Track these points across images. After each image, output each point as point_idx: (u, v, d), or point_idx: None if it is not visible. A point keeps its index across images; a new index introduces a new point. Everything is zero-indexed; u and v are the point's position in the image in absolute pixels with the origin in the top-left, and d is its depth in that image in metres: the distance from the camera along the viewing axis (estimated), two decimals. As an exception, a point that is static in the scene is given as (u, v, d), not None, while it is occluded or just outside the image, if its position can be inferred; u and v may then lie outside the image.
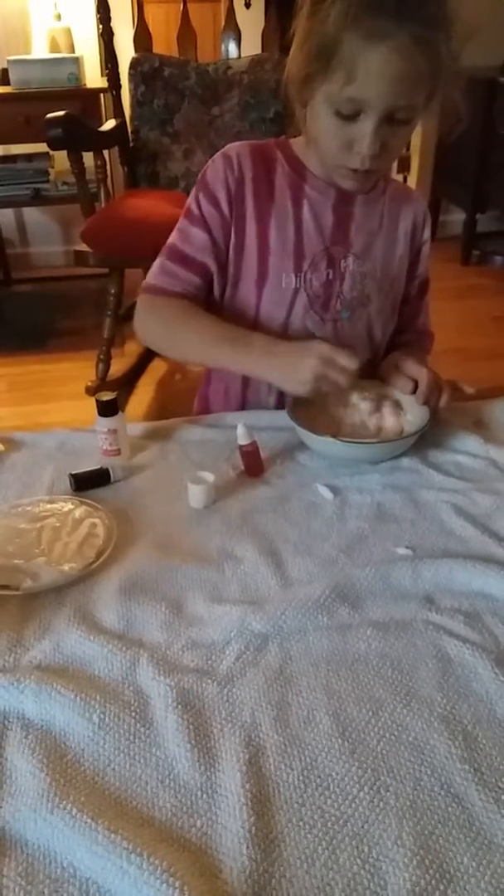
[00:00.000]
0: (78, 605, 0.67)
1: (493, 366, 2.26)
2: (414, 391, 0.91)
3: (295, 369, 0.84)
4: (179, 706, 0.57)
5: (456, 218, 3.46)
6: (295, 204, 0.94)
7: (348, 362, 0.82)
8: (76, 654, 0.62)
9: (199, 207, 0.96)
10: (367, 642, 0.63)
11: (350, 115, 0.79)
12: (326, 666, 0.61)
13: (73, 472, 0.83)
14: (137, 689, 0.59)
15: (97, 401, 0.84)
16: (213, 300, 1.01)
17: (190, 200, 0.97)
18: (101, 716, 0.56)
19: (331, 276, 0.97)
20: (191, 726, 0.55)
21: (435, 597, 0.68)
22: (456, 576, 0.70)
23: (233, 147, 0.95)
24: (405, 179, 3.58)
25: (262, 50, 2.19)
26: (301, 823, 0.48)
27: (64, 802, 0.49)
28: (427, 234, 1.06)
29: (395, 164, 3.57)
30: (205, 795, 0.50)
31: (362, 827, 0.48)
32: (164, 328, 0.99)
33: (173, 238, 0.99)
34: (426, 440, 0.90)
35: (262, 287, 0.96)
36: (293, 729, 0.55)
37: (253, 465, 0.85)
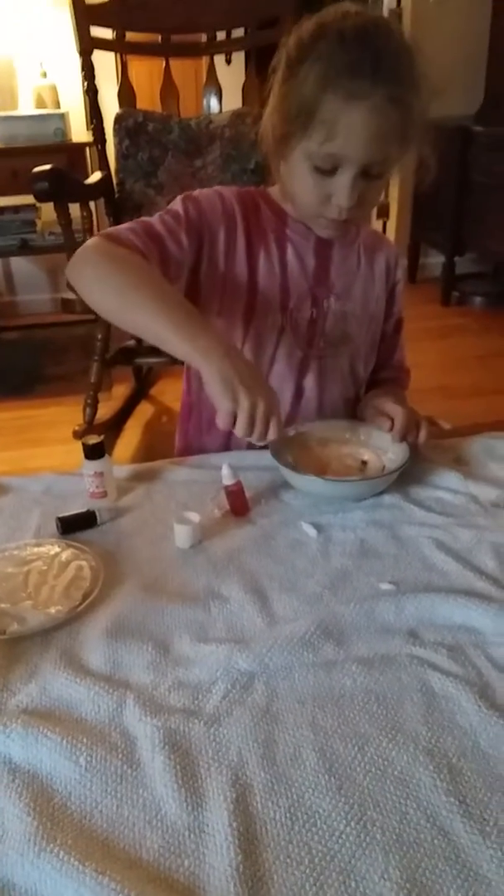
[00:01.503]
0: (64, 648, 0.67)
1: (475, 403, 2.30)
2: (391, 429, 0.94)
3: (240, 385, 0.76)
4: (166, 747, 0.57)
5: (435, 261, 3.55)
6: (279, 245, 0.98)
7: (272, 431, 0.78)
8: (63, 697, 0.62)
9: (186, 213, 0.93)
10: (353, 678, 0.64)
11: (328, 170, 0.84)
12: (312, 702, 0.61)
13: (60, 516, 0.84)
14: (124, 731, 0.59)
15: (84, 444, 0.85)
16: None
17: (174, 204, 0.95)
18: (88, 758, 0.56)
19: (314, 315, 1.00)
20: (178, 766, 0.55)
21: (418, 631, 0.69)
22: (439, 610, 0.71)
23: (222, 187, 0.99)
24: (384, 225, 3.70)
25: (243, 104, 2.28)
26: (288, 860, 0.48)
27: (51, 845, 0.49)
28: (399, 274, 1.10)
29: (374, 211, 3.69)
30: (192, 835, 0.50)
31: (349, 862, 0.48)
32: (109, 269, 0.84)
33: (152, 222, 0.92)
34: (408, 477, 0.92)
35: (249, 322, 0.99)
36: (280, 766, 0.56)
37: (238, 504, 0.87)
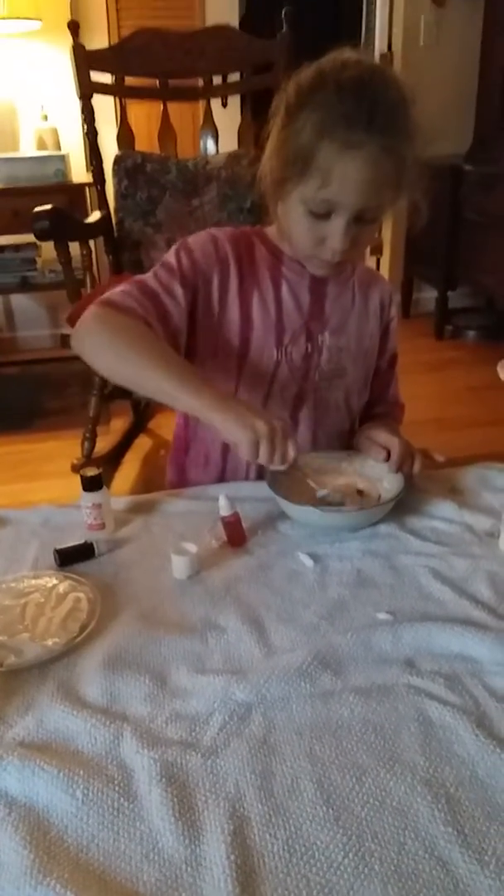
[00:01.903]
0: (61, 681, 0.67)
1: (470, 434, 2.32)
2: (387, 460, 0.95)
3: (253, 416, 0.81)
4: (163, 779, 0.57)
5: (428, 296, 3.60)
6: (275, 284, 1.00)
7: (291, 450, 0.82)
8: (59, 729, 0.62)
9: (180, 263, 0.97)
10: (350, 708, 0.63)
11: (323, 214, 0.87)
12: (310, 733, 0.61)
13: (58, 548, 0.84)
14: (121, 764, 0.59)
15: (82, 476, 0.86)
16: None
17: (168, 256, 0.98)
18: (85, 791, 0.56)
19: (309, 350, 1.02)
20: (175, 799, 0.55)
21: (415, 660, 0.69)
22: (435, 639, 0.71)
23: (216, 229, 1.02)
24: (378, 262, 3.76)
25: (239, 146, 2.33)
26: (286, 893, 0.48)
27: (48, 879, 0.48)
28: (394, 311, 1.12)
29: (368, 249, 3.75)
30: (189, 868, 0.50)
31: (347, 894, 0.48)
32: (110, 338, 0.89)
33: (146, 279, 0.96)
34: (403, 507, 0.93)
35: (244, 358, 1.01)
36: (277, 798, 0.55)
37: (235, 535, 0.87)
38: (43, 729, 0.62)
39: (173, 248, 0.99)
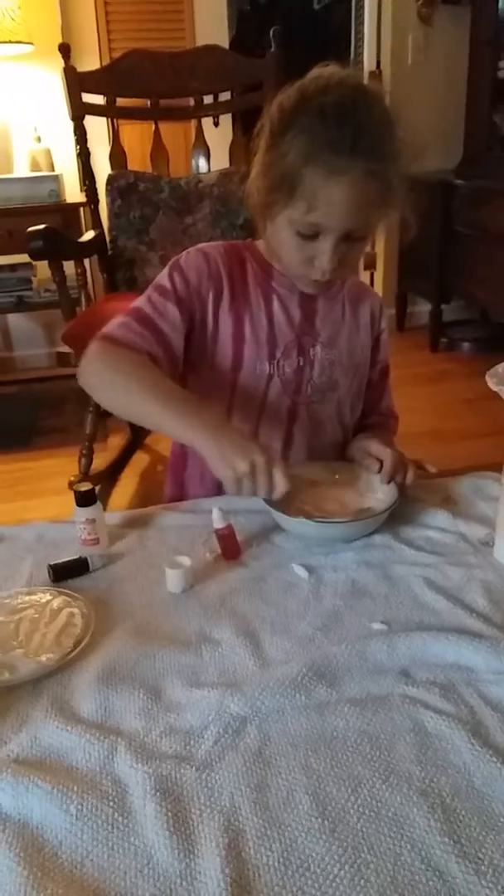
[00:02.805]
0: (55, 696, 0.67)
1: (466, 446, 2.32)
2: (380, 470, 0.95)
3: (233, 453, 0.81)
4: (158, 793, 0.56)
5: (422, 309, 3.62)
6: (265, 299, 1.01)
7: (279, 482, 0.82)
8: (53, 745, 0.62)
9: (174, 285, 0.98)
10: (345, 719, 0.63)
11: (310, 235, 0.88)
12: (305, 745, 0.61)
13: (52, 563, 0.84)
14: (115, 779, 0.58)
15: (75, 491, 0.86)
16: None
17: (161, 278, 0.99)
18: (79, 807, 0.55)
19: (301, 364, 1.03)
20: (169, 813, 0.55)
21: (411, 670, 0.69)
22: (430, 648, 0.71)
23: (208, 245, 1.02)
24: (372, 276, 3.79)
25: (230, 163, 2.36)
26: (281, 906, 0.48)
27: (42, 895, 0.48)
28: (384, 323, 1.13)
29: (361, 263, 3.77)
30: (184, 882, 0.50)
31: (343, 906, 0.47)
32: (112, 375, 0.92)
33: (141, 304, 0.98)
34: (397, 517, 0.93)
35: (237, 372, 1.01)
36: (273, 811, 0.55)
37: (229, 547, 0.87)
38: (37, 745, 0.62)
39: (166, 268, 1.00)
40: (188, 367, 1.02)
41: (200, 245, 1.03)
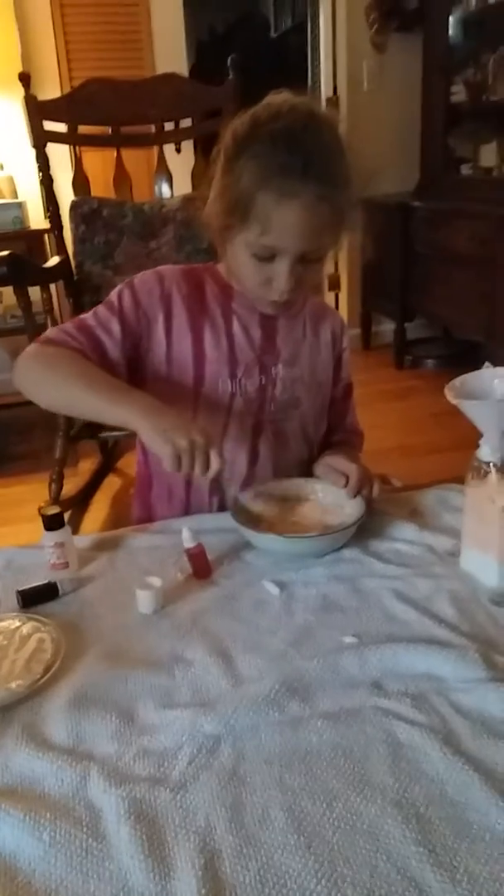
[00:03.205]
0: (26, 723, 0.66)
1: (433, 460, 2.36)
2: (346, 485, 0.96)
3: (173, 429, 0.82)
4: (132, 817, 0.56)
5: (386, 328, 3.68)
6: (225, 318, 1.02)
7: (214, 461, 0.82)
8: (24, 773, 0.61)
9: (121, 302, 1.00)
10: (319, 734, 0.63)
11: (267, 258, 0.90)
12: (279, 762, 0.61)
13: (20, 589, 0.83)
14: (88, 804, 0.58)
15: (42, 515, 0.86)
16: None
17: (112, 294, 1.01)
18: (52, 834, 0.55)
19: (263, 382, 1.04)
20: (144, 836, 0.54)
21: (382, 682, 0.69)
22: (401, 659, 0.71)
23: (165, 268, 1.04)
24: (336, 297, 3.84)
25: (193, 188, 2.39)
26: (258, 924, 0.47)
27: (12, 927, 0.47)
28: (346, 342, 1.16)
29: (326, 283, 3.82)
30: (160, 906, 0.49)
31: (320, 921, 0.47)
32: (45, 370, 0.94)
33: (86, 316, 1.00)
34: (366, 531, 0.94)
35: (199, 388, 1.02)
36: (248, 829, 0.55)
37: (200, 567, 0.87)
38: (8, 773, 0.61)
39: (119, 286, 1.02)
40: (144, 386, 1.02)
41: (160, 267, 1.04)
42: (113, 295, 1.01)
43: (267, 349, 1.04)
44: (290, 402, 1.06)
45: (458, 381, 0.83)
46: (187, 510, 1.07)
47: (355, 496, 0.95)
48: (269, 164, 0.84)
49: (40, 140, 2.19)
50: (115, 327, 0.98)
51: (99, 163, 2.64)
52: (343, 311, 3.86)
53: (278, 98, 0.89)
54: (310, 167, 0.84)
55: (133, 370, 1.01)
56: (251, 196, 0.85)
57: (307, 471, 1.07)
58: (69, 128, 2.23)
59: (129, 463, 2.51)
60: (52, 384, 0.94)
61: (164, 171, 2.41)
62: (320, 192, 0.85)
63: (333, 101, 3.50)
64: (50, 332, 0.98)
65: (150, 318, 1.00)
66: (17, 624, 0.79)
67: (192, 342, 1.01)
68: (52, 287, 2.33)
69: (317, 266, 0.93)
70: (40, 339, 0.97)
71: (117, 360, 0.99)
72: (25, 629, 0.78)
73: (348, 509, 0.95)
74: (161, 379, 1.02)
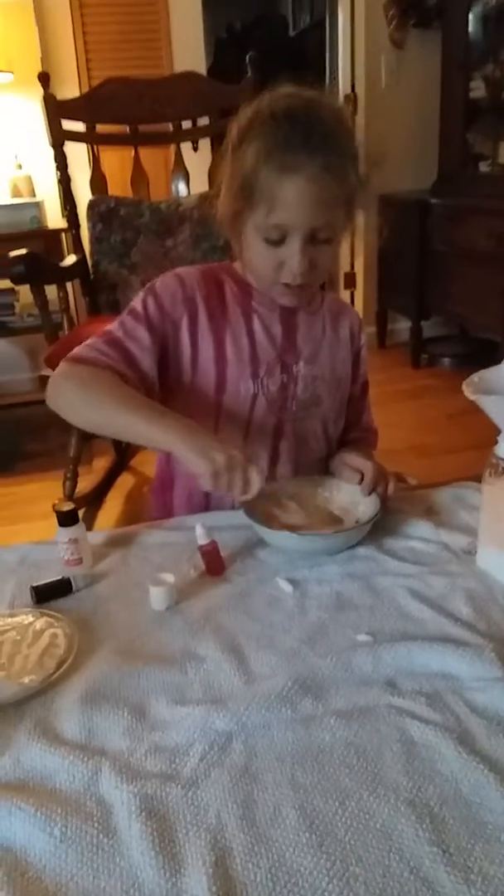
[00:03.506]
0: (38, 718, 0.66)
1: (449, 460, 2.34)
2: (361, 482, 0.95)
3: (211, 448, 0.83)
4: (143, 813, 0.55)
5: (403, 326, 3.66)
6: (246, 318, 1.02)
7: (254, 480, 0.83)
8: (36, 768, 0.61)
9: (146, 309, 0.99)
10: (332, 732, 0.63)
11: (277, 240, 0.89)
12: (291, 759, 0.60)
13: (34, 585, 0.84)
14: (100, 799, 0.57)
15: (57, 511, 0.86)
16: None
17: (135, 302, 1.01)
18: (63, 829, 0.55)
19: (285, 381, 1.03)
20: (155, 833, 0.54)
21: (396, 680, 0.68)
22: (415, 658, 0.71)
23: (184, 270, 1.03)
24: (352, 295, 3.82)
25: (210, 187, 2.38)
26: (269, 922, 0.47)
27: (22, 921, 0.47)
28: (363, 339, 1.15)
29: (341, 282, 3.81)
30: (170, 902, 0.49)
31: (331, 920, 0.47)
32: (79, 391, 0.93)
33: (112, 328, 0.99)
34: (381, 529, 0.93)
35: (221, 394, 1.01)
36: (260, 827, 0.54)
37: (213, 564, 0.87)
38: (20, 768, 0.61)
39: (141, 292, 1.01)
40: (168, 393, 1.02)
41: (178, 269, 1.04)
42: (136, 302, 1.00)
43: (288, 347, 1.03)
44: (312, 401, 1.06)
45: (476, 376, 0.82)
46: (206, 510, 1.06)
47: (370, 494, 0.94)
48: (270, 140, 0.85)
49: (58, 139, 2.20)
50: (144, 335, 0.98)
51: (116, 162, 2.65)
52: (359, 309, 3.84)
53: (280, 88, 0.90)
54: (311, 139, 0.84)
55: (161, 376, 1.01)
56: (255, 175, 0.86)
57: (326, 469, 1.06)
58: (87, 127, 2.24)
59: (143, 461, 2.52)
60: (87, 405, 0.93)
61: (181, 170, 2.41)
62: (323, 162, 0.84)
63: (351, 97, 3.49)
64: (79, 349, 0.97)
65: (175, 323, 1.00)
66: (31, 619, 0.79)
67: (214, 345, 1.00)
68: (69, 286, 2.34)
69: (328, 248, 0.92)
70: (71, 357, 0.96)
71: (149, 369, 0.98)
72: (39, 624, 0.78)
73: (363, 507, 0.94)
74: (185, 383, 1.02)
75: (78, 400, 0.94)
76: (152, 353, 0.98)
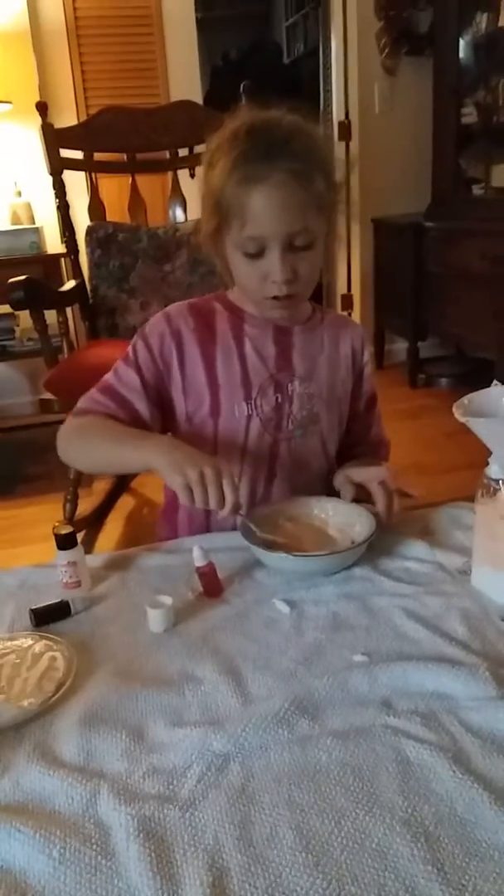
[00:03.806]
0: (37, 741, 0.67)
1: (448, 478, 2.34)
2: (359, 498, 0.98)
3: (184, 462, 0.86)
4: (141, 835, 0.56)
5: (400, 346, 3.69)
6: (237, 342, 1.04)
7: (228, 494, 0.84)
8: (35, 790, 0.61)
9: (136, 353, 1.04)
10: (328, 752, 0.63)
11: (256, 253, 0.91)
12: (288, 780, 0.61)
13: (33, 608, 0.84)
14: (98, 822, 0.58)
15: (56, 534, 0.87)
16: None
17: (129, 347, 1.05)
18: (62, 851, 0.55)
19: (280, 400, 1.05)
20: (153, 854, 0.54)
21: (392, 700, 0.69)
22: (411, 678, 0.71)
23: (173, 306, 1.06)
24: (349, 316, 3.85)
25: (206, 212, 2.42)
26: (265, 942, 0.47)
27: (21, 943, 0.47)
28: (367, 356, 1.16)
29: (339, 304, 3.84)
30: (167, 924, 0.49)
31: (327, 939, 0.47)
32: (79, 440, 1.02)
33: (107, 376, 1.06)
34: (376, 549, 0.94)
35: (216, 418, 1.03)
36: (257, 847, 0.55)
37: (211, 585, 0.88)
38: (19, 790, 0.61)
39: (134, 337, 1.06)
40: (175, 425, 1.06)
41: (168, 307, 1.06)
42: (129, 347, 1.05)
43: (282, 366, 1.05)
44: (310, 419, 1.07)
45: (466, 399, 0.84)
46: (206, 531, 1.07)
47: (387, 504, 0.95)
48: (233, 156, 0.88)
49: (57, 167, 2.24)
50: (133, 378, 1.03)
51: (114, 188, 2.69)
52: (356, 331, 3.88)
53: (241, 111, 0.93)
54: (272, 150, 0.87)
55: (166, 415, 1.06)
56: (223, 192, 0.89)
57: (328, 486, 1.07)
58: (85, 155, 2.28)
59: (143, 483, 2.53)
60: (87, 451, 1.03)
61: (178, 196, 2.45)
62: (287, 168, 0.87)
63: (346, 124, 3.55)
64: (81, 402, 1.05)
65: (166, 360, 1.03)
66: (30, 642, 0.80)
67: (206, 372, 1.03)
68: (69, 310, 2.36)
69: (308, 254, 0.93)
70: (74, 411, 1.05)
71: (146, 412, 1.03)
72: (38, 647, 0.79)
73: (358, 527, 0.95)
74: (185, 413, 1.05)
75: (79, 448, 1.03)
76: (144, 394, 1.03)
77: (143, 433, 0.98)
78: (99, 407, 1.03)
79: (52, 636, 0.80)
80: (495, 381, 0.86)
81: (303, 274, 0.94)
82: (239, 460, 1.05)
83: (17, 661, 0.77)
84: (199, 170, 0.97)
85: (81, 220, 2.35)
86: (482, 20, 3.06)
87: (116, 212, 2.48)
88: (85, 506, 2.29)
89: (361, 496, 1.01)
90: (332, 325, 1.11)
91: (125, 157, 2.33)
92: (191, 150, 2.38)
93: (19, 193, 2.98)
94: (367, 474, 1.00)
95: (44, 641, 0.80)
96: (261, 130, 0.89)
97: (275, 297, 0.95)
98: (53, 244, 2.96)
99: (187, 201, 2.45)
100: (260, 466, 1.06)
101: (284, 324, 1.04)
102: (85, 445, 1.02)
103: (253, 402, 1.03)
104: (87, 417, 1.03)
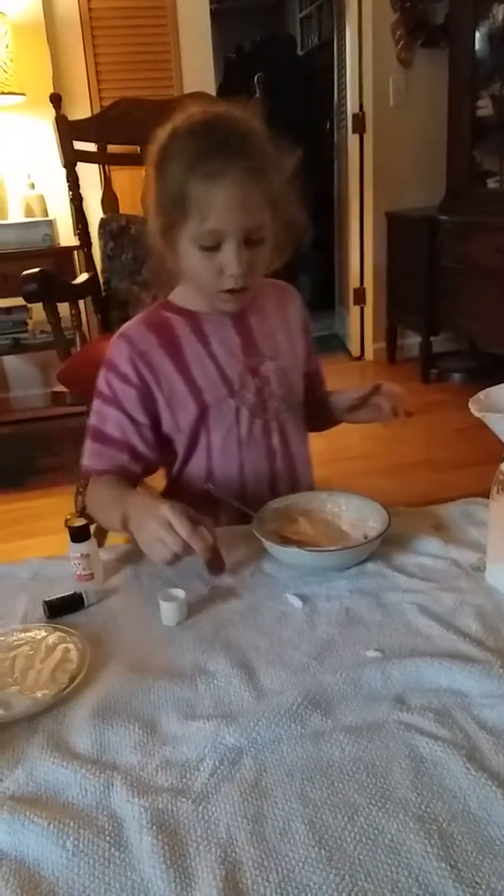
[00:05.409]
0: (51, 732, 0.67)
1: (461, 475, 2.33)
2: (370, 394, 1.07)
3: (141, 534, 0.86)
4: (154, 827, 0.56)
5: (412, 341, 3.68)
6: (203, 343, 1.04)
7: (182, 529, 0.81)
8: (49, 781, 0.62)
9: (111, 387, 1.03)
10: (341, 747, 0.63)
11: (213, 246, 0.92)
12: (301, 775, 0.61)
13: (47, 600, 0.85)
14: (111, 813, 0.58)
15: (69, 527, 0.87)
16: (167, 453, 1.09)
17: (100, 382, 1.04)
18: (76, 842, 0.55)
19: (259, 384, 1.07)
20: (166, 847, 0.55)
21: (405, 696, 0.69)
22: (424, 674, 0.71)
23: (126, 328, 1.05)
24: (362, 311, 3.84)
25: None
26: (278, 937, 0.47)
27: (35, 933, 0.47)
28: (305, 311, 1.20)
29: (351, 298, 3.82)
30: (180, 916, 0.49)
31: (340, 935, 0.47)
32: (91, 506, 1.04)
33: (91, 419, 1.05)
34: (390, 544, 0.94)
35: (206, 419, 1.05)
36: (269, 841, 0.55)
37: (213, 561, 0.86)
38: (33, 782, 0.62)
39: (100, 373, 1.04)
40: (167, 436, 1.06)
41: (121, 330, 1.05)
42: (100, 383, 1.03)
43: (250, 352, 1.07)
44: (288, 391, 1.10)
45: (482, 394, 0.83)
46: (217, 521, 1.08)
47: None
48: (191, 152, 0.89)
49: (70, 159, 2.23)
50: (119, 416, 1.02)
51: (127, 181, 2.69)
52: (369, 325, 3.87)
53: (191, 107, 0.94)
54: (229, 145, 0.89)
55: (160, 435, 1.06)
56: (183, 187, 0.89)
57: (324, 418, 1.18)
58: (99, 147, 2.27)
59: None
60: (97, 517, 1.02)
61: (190, 189, 2.44)
62: (245, 166, 0.89)
63: (360, 116, 3.53)
64: (84, 459, 1.05)
65: (144, 382, 1.02)
66: (44, 634, 0.80)
67: (184, 382, 1.03)
68: (81, 303, 2.36)
69: (262, 248, 0.95)
70: (83, 472, 1.06)
71: (140, 445, 1.04)
72: (51, 639, 0.79)
73: (371, 522, 0.95)
74: (176, 427, 1.06)
75: (94, 514, 1.03)
76: (134, 428, 1.02)
77: (119, 497, 0.95)
78: (102, 462, 1.03)
79: (65, 628, 0.81)
80: (512, 377, 0.85)
81: (255, 266, 0.96)
82: (238, 454, 1.07)
83: (31, 652, 0.77)
84: (147, 164, 0.96)
85: (94, 213, 2.35)
86: (499, 12, 3.02)
87: (129, 204, 2.47)
88: (96, 498, 2.30)
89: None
90: (272, 293, 1.13)
91: (139, 149, 2.32)
92: (204, 143, 2.37)
93: (32, 186, 2.98)
94: (364, 390, 1.07)
95: (57, 633, 0.80)
96: (217, 127, 0.91)
97: (229, 290, 0.96)
98: (66, 237, 2.96)
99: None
100: (258, 450, 1.08)
101: (234, 311, 1.04)
102: (95, 513, 1.03)
103: (237, 394, 1.05)
104: (96, 480, 1.04)
